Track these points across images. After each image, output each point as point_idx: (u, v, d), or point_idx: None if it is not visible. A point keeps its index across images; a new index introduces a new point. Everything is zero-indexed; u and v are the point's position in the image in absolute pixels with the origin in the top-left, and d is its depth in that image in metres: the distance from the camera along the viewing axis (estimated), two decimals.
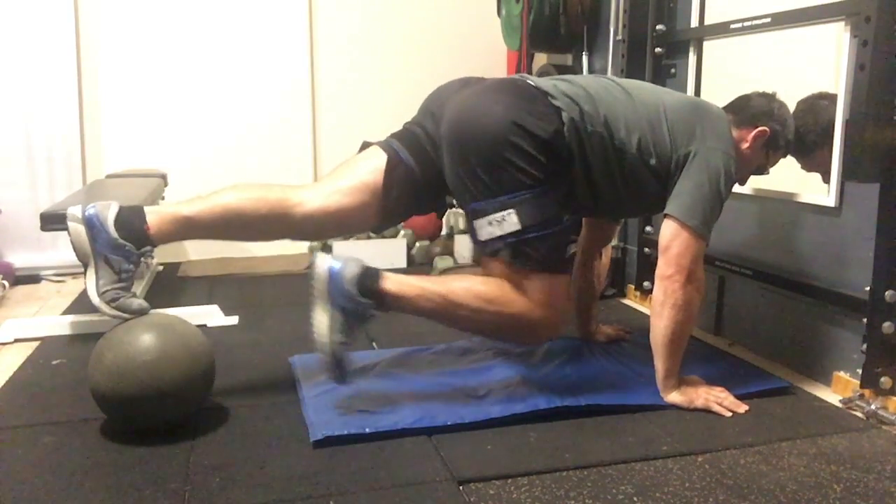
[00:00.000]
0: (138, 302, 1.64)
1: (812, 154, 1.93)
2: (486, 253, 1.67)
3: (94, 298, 1.61)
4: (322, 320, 1.59)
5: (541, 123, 1.61)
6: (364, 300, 1.59)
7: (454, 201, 1.90)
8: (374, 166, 1.76)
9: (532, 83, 1.70)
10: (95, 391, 1.54)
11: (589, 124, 1.67)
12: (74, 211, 1.63)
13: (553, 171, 1.63)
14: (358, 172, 1.76)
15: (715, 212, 1.71)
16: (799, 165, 1.99)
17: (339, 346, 1.60)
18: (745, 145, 1.82)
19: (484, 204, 1.62)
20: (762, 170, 1.91)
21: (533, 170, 1.60)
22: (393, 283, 1.63)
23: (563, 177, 1.66)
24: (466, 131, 1.64)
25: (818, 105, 1.92)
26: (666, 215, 1.71)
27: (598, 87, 1.75)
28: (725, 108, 1.87)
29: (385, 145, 1.80)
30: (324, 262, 1.61)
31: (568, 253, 1.69)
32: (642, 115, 1.72)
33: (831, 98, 1.91)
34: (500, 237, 1.62)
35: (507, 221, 1.60)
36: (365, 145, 1.84)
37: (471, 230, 1.69)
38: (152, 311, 1.67)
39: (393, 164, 1.75)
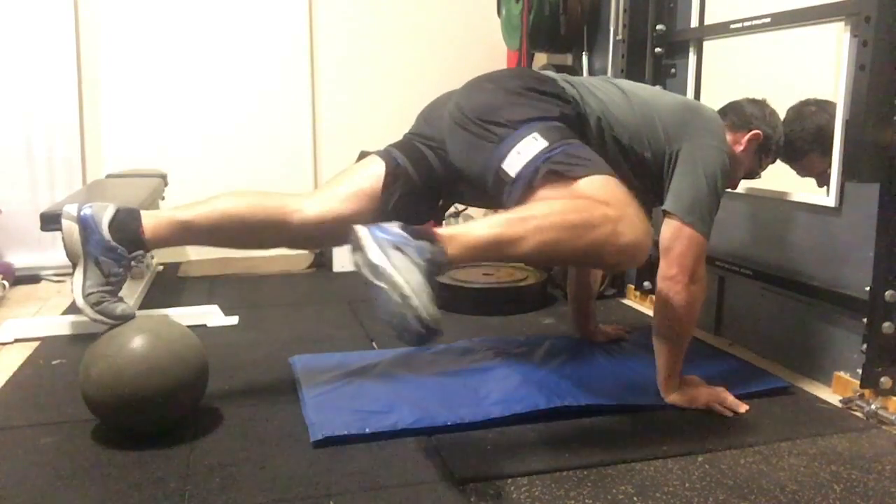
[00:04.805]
0: (122, 307, 1.60)
1: (802, 160, 1.96)
2: (524, 186, 1.51)
3: (79, 300, 1.58)
4: (391, 273, 1.27)
5: (548, 86, 1.65)
6: (419, 241, 1.33)
7: (457, 205, 1.90)
8: (371, 173, 1.76)
9: (538, 70, 1.74)
10: (87, 402, 1.54)
11: (589, 109, 1.70)
12: (70, 209, 1.59)
13: (565, 116, 1.62)
14: (356, 180, 1.76)
15: (713, 208, 1.71)
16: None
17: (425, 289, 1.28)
18: (739, 148, 1.83)
19: (503, 145, 1.54)
20: (753, 174, 1.93)
21: (547, 104, 1.61)
22: (445, 230, 1.41)
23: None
24: (475, 93, 1.66)
25: (805, 111, 1.95)
26: (665, 214, 1.72)
27: (597, 82, 1.80)
28: (718, 112, 1.88)
29: (383, 153, 1.80)
30: (362, 229, 1.35)
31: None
32: (637, 110, 1.74)
33: (819, 104, 1.95)
34: (532, 160, 1.51)
35: (532, 145, 1.53)
36: (362, 155, 1.84)
37: (501, 184, 1.55)
38: (143, 312, 1.65)
39: (392, 172, 1.75)
